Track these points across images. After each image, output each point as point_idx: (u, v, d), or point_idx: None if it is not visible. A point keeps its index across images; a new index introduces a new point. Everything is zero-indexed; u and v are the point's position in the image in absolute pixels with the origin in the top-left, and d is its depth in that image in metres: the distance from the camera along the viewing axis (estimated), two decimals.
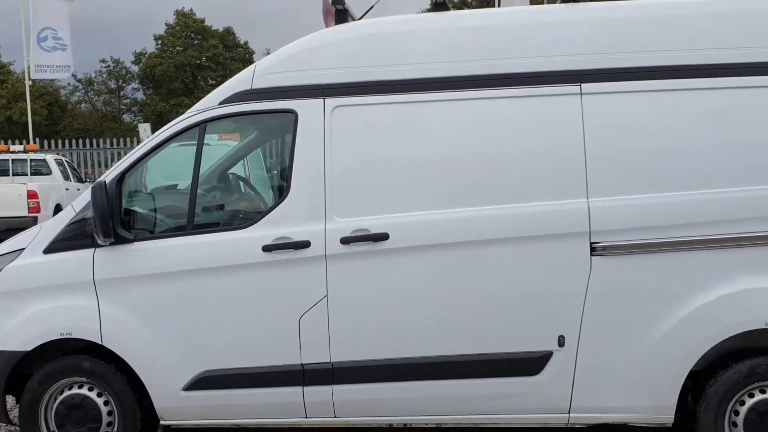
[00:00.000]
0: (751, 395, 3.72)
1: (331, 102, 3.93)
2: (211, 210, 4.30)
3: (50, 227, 4.18)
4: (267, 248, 3.88)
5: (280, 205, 3.95)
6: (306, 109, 3.95)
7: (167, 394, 4.04)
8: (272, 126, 4.26)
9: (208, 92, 4.19)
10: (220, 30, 48.65)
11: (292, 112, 3.98)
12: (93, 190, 3.86)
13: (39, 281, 4.09)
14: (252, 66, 4.13)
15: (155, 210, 4.26)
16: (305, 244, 3.86)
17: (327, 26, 4.38)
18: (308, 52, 4.03)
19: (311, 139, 3.93)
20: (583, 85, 3.78)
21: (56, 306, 4.07)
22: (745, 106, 3.69)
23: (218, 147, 5.54)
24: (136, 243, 4.00)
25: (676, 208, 3.67)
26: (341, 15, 4.20)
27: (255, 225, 3.95)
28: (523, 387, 3.82)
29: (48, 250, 4.11)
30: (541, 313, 3.78)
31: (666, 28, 3.79)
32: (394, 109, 3.90)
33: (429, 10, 4.21)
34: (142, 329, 4.00)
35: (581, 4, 3.95)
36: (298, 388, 3.93)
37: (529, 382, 3.81)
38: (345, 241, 3.84)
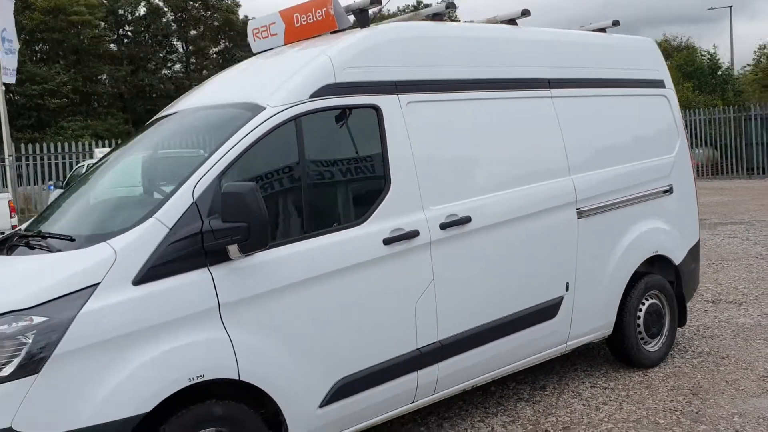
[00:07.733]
0: (643, 303, 5.52)
1: (404, 98, 4.14)
2: (321, 209, 3.89)
3: (131, 250, 3.18)
4: (387, 241, 3.89)
5: (386, 198, 3.97)
6: (387, 104, 4.07)
7: (305, 418, 3.60)
8: (355, 121, 4.09)
9: None
10: None
11: (375, 108, 4.03)
12: (247, 194, 3.20)
13: (139, 322, 3.12)
14: (323, 57, 3.93)
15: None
16: (416, 234, 4.01)
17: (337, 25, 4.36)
18: (379, 49, 4.12)
19: (397, 133, 4.08)
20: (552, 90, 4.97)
21: (174, 348, 3.18)
22: (631, 109, 5.49)
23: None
24: (258, 254, 3.44)
25: (615, 179, 5.21)
26: (363, 15, 4.35)
27: (368, 220, 3.88)
28: (545, 330, 4.79)
29: (140, 280, 3.16)
30: (557, 266, 4.82)
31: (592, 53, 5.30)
32: (453, 105, 4.37)
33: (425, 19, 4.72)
34: (279, 351, 3.49)
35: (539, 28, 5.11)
36: (414, 374, 4.05)
37: (549, 325, 4.81)
38: (443, 226, 4.15)
